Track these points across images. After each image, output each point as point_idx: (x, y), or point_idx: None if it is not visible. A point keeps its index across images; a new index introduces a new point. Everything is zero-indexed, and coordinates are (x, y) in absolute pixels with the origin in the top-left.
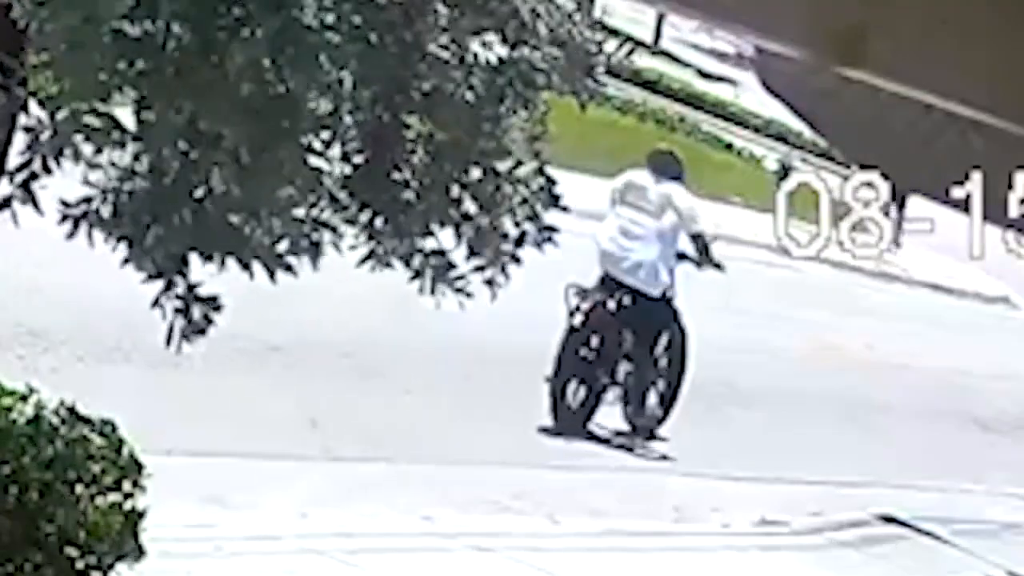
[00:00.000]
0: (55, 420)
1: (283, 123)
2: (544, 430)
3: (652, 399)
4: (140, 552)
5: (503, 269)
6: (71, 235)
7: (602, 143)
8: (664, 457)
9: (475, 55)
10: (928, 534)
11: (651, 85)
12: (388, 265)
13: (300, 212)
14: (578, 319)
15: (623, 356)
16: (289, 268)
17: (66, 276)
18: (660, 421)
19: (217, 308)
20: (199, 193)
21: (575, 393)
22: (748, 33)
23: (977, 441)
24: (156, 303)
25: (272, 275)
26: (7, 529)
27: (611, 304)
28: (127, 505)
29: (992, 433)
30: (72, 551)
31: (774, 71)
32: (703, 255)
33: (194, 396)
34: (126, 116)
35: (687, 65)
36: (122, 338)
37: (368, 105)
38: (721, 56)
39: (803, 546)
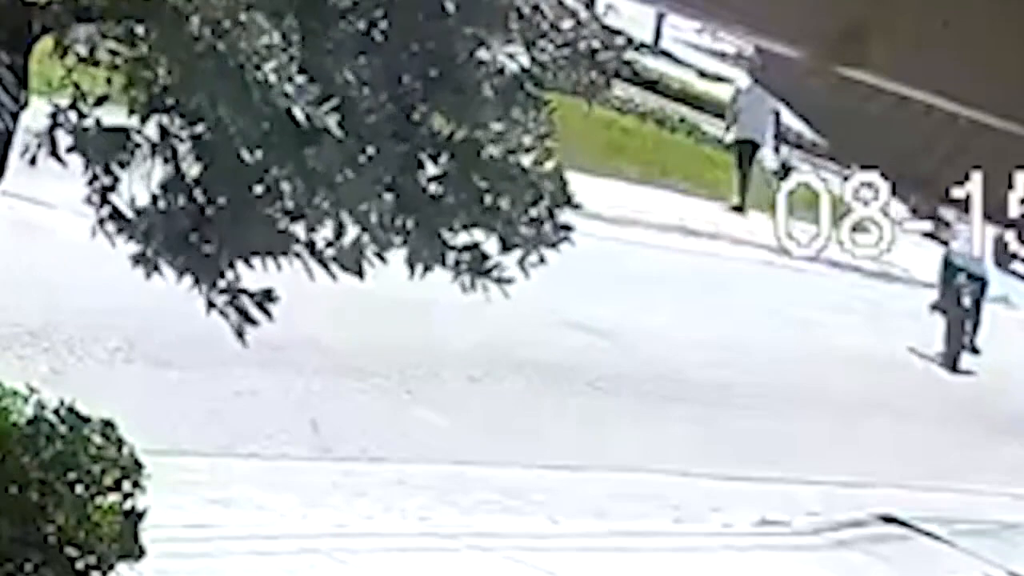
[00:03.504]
0: (55, 420)
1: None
2: (943, 366)
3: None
4: (140, 552)
5: (541, 255)
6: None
7: (602, 142)
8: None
9: (482, 57)
10: (928, 534)
11: (651, 85)
12: (427, 268)
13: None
14: (967, 301)
15: (970, 316)
16: (360, 272)
17: (68, 276)
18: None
19: (272, 299)
20: (258, 202)
21: (957, 342)
22: (748, 33)
23: (977, 441)
24: (211, 305)
25: (340, 274)
26: (7, 529)
27: (975, 287)
28: (127, 505)
29: (992, 433)
30: (72, 551)
31: (774, 71)
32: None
33: (194, 396)
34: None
35: (687, 65)
36: (123, 338)
37: (383, 105)
38: (721, 56)
39: (803, 546)
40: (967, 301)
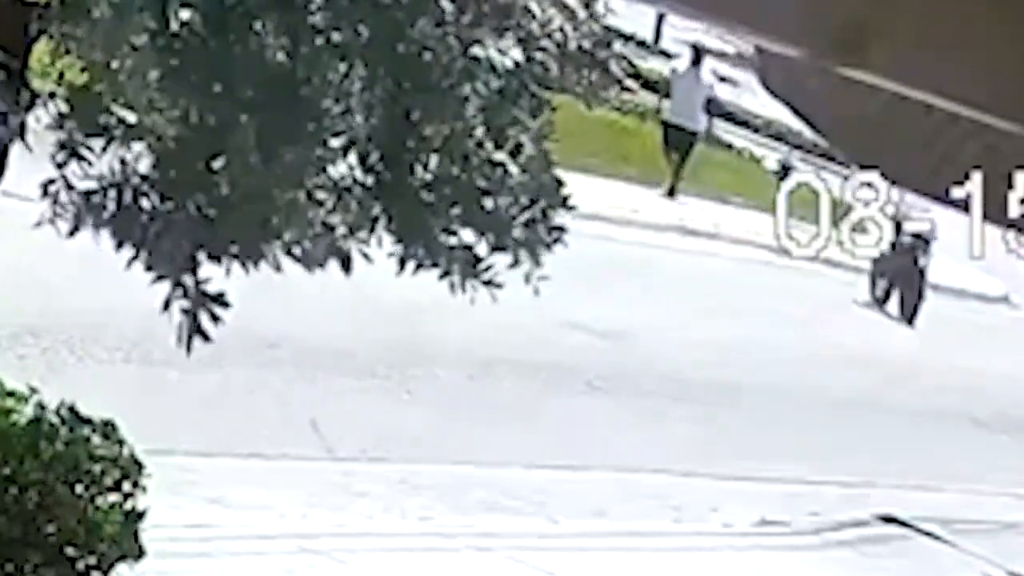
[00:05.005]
0: (55, 420)
1: (296, 123)
2: (902, 319)
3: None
4: (140, 552)
5: (535, 258)
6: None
7: (602, 142)
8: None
9: (487, 58)
10: (928, 534)
11: (651, 85)
12: (420, 267)
13: (328, 218)
14: (922, 260)
15: (921, 272)
16: (330, 269)
17: (68, 276)
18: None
19: (224, 305)
20: (205, 195)
21: (914, 295)
22: (748, 33)
23: (977, 441)
24: (167, 305)
25: (278, 268)
26: (7, 529)
27: (923, 245)
28: (127, 505)
29: (992, 433)
30: (72, 551)
31: (774, 71)
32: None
33: (194, 396)
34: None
35: None
36: (123, 338)
37: (378, 106)
38: (721, 56)
39: (803, 546)
40: (923, 260)
